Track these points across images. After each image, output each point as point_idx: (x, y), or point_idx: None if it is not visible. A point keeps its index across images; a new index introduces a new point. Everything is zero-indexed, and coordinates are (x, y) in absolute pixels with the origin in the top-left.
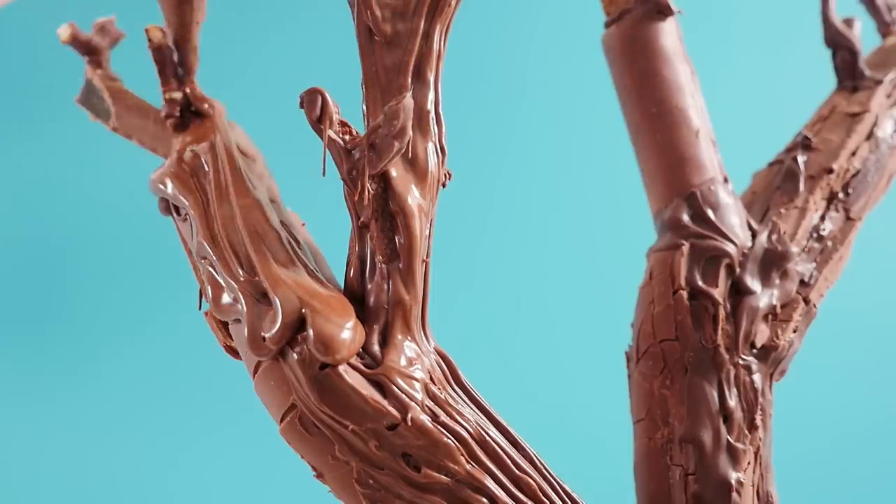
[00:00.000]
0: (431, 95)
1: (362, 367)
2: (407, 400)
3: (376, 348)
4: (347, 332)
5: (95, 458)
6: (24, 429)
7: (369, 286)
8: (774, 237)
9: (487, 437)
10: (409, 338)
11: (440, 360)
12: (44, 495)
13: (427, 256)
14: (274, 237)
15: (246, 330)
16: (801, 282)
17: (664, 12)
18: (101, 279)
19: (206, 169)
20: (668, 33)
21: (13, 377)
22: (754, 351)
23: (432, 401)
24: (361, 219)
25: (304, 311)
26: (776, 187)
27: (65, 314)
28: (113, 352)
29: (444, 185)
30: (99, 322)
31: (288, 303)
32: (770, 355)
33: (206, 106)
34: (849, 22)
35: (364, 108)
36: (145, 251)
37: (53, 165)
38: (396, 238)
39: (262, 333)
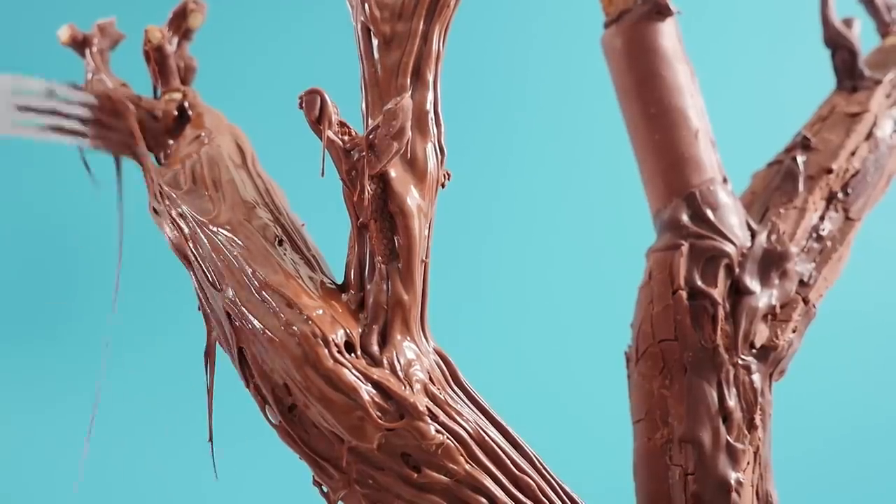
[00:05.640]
0: (430, 96)
1: (362, 368)
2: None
3: (375, 348)
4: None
5: (98, 460)
6: (28, 431)
7: (368, 286)
8: (774, 237)
9: (487, 437)
10: (409, 338)
11: (439, 360)
12: (47, 497)
13: (426, 257)
14: (275, 258)
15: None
16: (801, 282)
17: (663, 13)
18: (105, 281)
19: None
20: (668, 34)
21: (16, 379)
22: (754, 351)
23: (432, 401)
24: (361, 219)
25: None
26: (775, 187)
27: (69, 316)
28: (116, 353)
29: (443, 186)
30: (104, 324)
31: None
32: (769, 355)
33: (197, 114)
34: (848, 22)
35: (363, 108)
36: (147, 252)
37: (54, 166)
38: (395, 238)
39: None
